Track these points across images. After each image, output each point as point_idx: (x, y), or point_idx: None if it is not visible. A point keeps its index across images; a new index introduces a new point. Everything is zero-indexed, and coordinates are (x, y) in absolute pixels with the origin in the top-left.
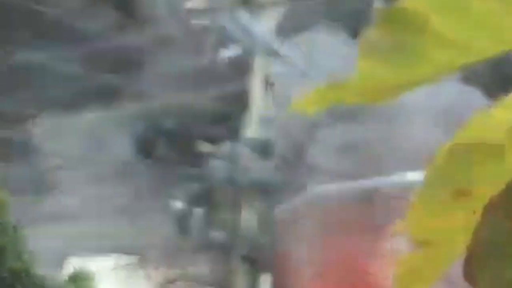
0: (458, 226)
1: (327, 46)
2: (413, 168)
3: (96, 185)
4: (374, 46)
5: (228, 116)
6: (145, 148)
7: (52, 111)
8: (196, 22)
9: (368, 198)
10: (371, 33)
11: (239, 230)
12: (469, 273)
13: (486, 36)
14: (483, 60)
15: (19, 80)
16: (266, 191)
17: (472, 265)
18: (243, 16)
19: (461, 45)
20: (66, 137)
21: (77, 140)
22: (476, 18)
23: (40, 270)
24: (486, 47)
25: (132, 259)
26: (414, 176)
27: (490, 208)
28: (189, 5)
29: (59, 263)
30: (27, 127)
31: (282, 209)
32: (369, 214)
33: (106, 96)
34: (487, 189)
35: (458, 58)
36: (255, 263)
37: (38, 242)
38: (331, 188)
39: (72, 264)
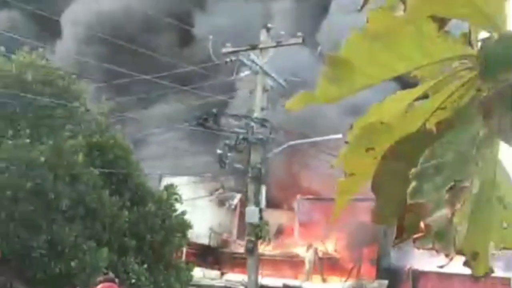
0: (369, 165)
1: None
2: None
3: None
4: (326, 76)
5: None
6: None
7: None
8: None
9: None
10: (326, 69)
11: (249, 163)
12: (373, 188)
13: (379, 73)
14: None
15: None
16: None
17: (375, 186)
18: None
19: (369, 77)
20: None
21: None
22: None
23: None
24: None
25: (195, 179)
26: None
27: (384, 156)
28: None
29: (159, 180)
30: None
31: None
32: None
33: None
34: (383, 146)
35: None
36: (258, 181)
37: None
38: None
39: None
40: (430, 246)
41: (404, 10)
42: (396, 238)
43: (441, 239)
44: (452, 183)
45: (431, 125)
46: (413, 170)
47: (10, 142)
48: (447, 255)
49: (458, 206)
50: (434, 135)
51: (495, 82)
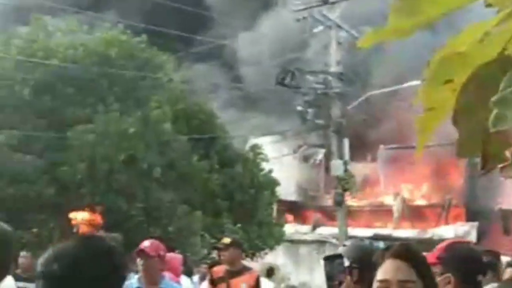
0: (448, 98)
1: None
2: None
3: None
4: (395, 9)
5: None
6: None
7: None
8: None
9: None
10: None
11: (330, 118)
12: (455, 121)
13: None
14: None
15: None
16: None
17: (456, 118)
18: None
19: (441, 5)
20: None
21: None
22: None
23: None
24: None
25: (279, 137)
26: None
27: (464, 86)
28: None
29: (244, 142)
30: None
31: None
32: None
33: None
34: (462, 77)
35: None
36: (340, 134)
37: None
38: None
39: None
40: None
41: None
42: (481, 168)
43: None
44: None
45: (510, 51)
46: (494, 97)
47: (101, 116)
48: None
49: None
50: None
51: None
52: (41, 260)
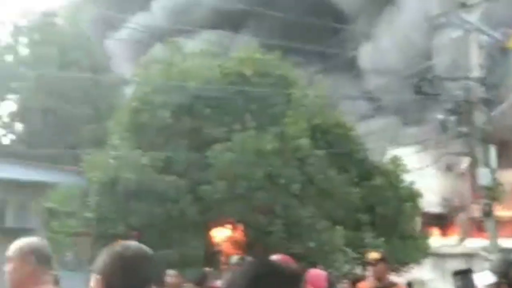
0: None
1: None
2: None
3: None
4: None
5: None
6: None
7: None
8: None
9: None
10: None
11: (474, 125)
12: None
13: None
14: None
15: None
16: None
17: None
18: None
19: None
20: None
21: None
22: None
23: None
24: None
25: (419, 147)
26: None
27: None
28: None
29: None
30: None
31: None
32: None
33: None
34: None
35: None
36: (486, 141)
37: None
38: None
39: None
40: None
41: None
42: None
43: None
44: None
45: None
46: None
47: (238, 135)
48: None
49: None
50: None
51: None
52: None
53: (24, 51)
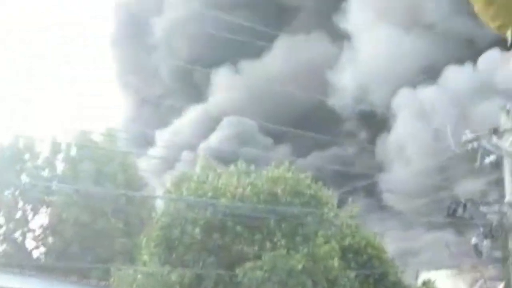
0: None
1: None
2: None
3: None
4: None
5: None
6: None
7: None
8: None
9: None
10: None
11: (508, 249)
12: None
13: None
14: None
15: None
16: None
17: None
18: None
19: None
20: None
21: None
22: None
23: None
24: None
25: (453, 271)
26: None
27: None
28: None
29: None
30: None
31: None
32: None
33: None
34: None
35: None
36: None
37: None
38: None
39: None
40: None
41: None
42: None
43: None
44: None
45: None
46: None
47: (269, 253)
48: None
49: None
50: None
51: None
52: None
53: (61, 165)
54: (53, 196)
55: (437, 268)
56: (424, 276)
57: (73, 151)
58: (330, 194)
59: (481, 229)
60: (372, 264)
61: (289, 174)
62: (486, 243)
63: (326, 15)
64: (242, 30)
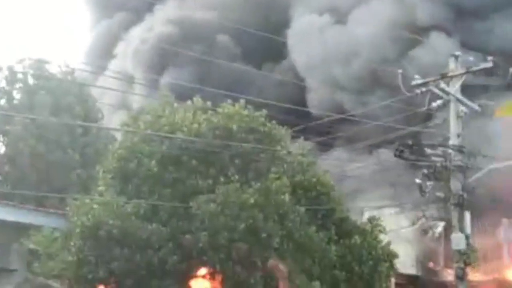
0: None
1: None
2: None
3: None
4: None
5: None
6: None
7: None
8: None
9: None
10: None
11: (450, 191)
12: None
13: None
14: None
15: None
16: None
17: None
18: None
19: None
20: None
21: None
22: None
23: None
24: None
25: (396, 210)
26: None
27: None
28: None
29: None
30: None
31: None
32: None
33: None
34: None
35: None
36: (461, 207)
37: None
38: None
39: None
40: None
41: None
42: None
43: None
44: None
45: None
46: None
47: (222, 187)
48: None
49: None
50: None
51: None
52: None
53: (18, 96)
54: (9, 126)
55: (382, 206)
56: (369, 213)
57: (30, 81)
58: (284, 132)
59: (425, 171)
60: (321, 200)
61: (245, 112)
62: (429, 183)
63: None
64: None
